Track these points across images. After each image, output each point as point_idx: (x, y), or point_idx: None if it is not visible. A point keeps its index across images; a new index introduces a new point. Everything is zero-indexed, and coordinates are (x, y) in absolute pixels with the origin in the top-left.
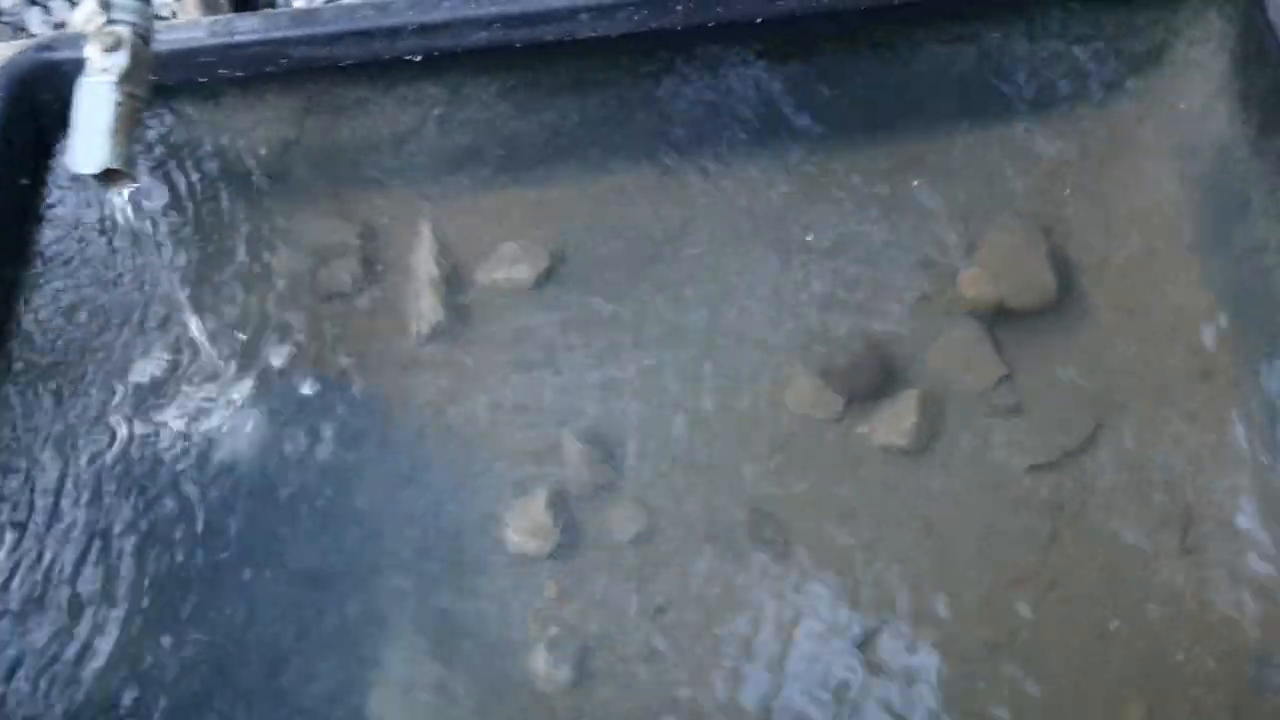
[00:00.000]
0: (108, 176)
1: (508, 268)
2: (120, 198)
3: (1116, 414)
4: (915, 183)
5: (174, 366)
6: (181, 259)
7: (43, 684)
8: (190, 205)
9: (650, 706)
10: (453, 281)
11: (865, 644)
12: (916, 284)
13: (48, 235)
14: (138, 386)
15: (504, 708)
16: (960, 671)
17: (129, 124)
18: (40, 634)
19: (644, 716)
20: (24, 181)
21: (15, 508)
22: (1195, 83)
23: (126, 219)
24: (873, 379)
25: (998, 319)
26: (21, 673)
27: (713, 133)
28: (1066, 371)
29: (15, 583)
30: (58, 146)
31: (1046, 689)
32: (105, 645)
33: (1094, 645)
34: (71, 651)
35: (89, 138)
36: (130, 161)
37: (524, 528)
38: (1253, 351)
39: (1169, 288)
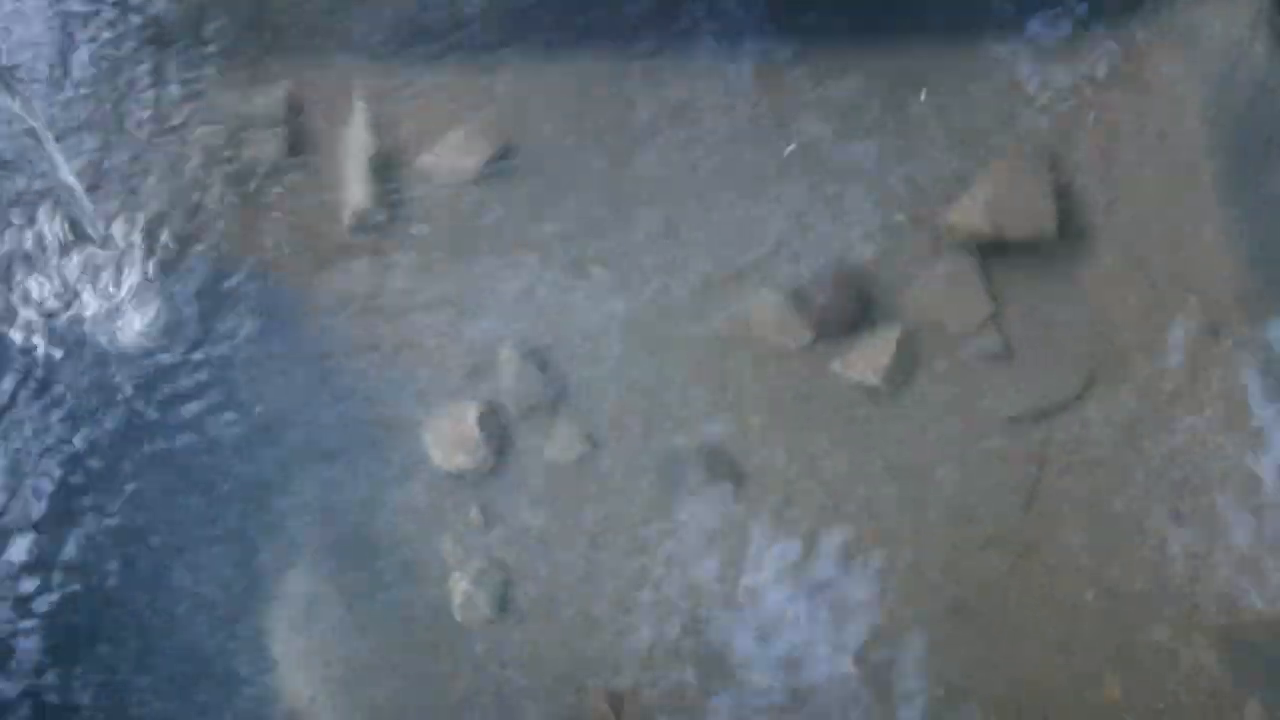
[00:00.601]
0: None
1: (450, 156)
2: None
3: (1113, 367)
4: (922, 97)
5: (59, 250)
6: (73, 127)
7: None
8: (86, 61)
9: (577, 647)
10: (387, 167)
11: (818, 597)
12: (905, 210)
13: None
14: (17, 271)
15: (414, 640)
16: (921, 634)
17: None
18: None
19: (570, 658)
20: None
21: None
22: (1226, 11)
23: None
24: (848, 310)
25: (990, 253)
26: None
27: (693, 23)
28: (1061, 317)
29: None
30: None
31: (1015, 659)
32: None
33: (1070, 616)
34: None
35: None
36: None
37: (451, 443)
38: (1268, 310)
39: (1182, 233)
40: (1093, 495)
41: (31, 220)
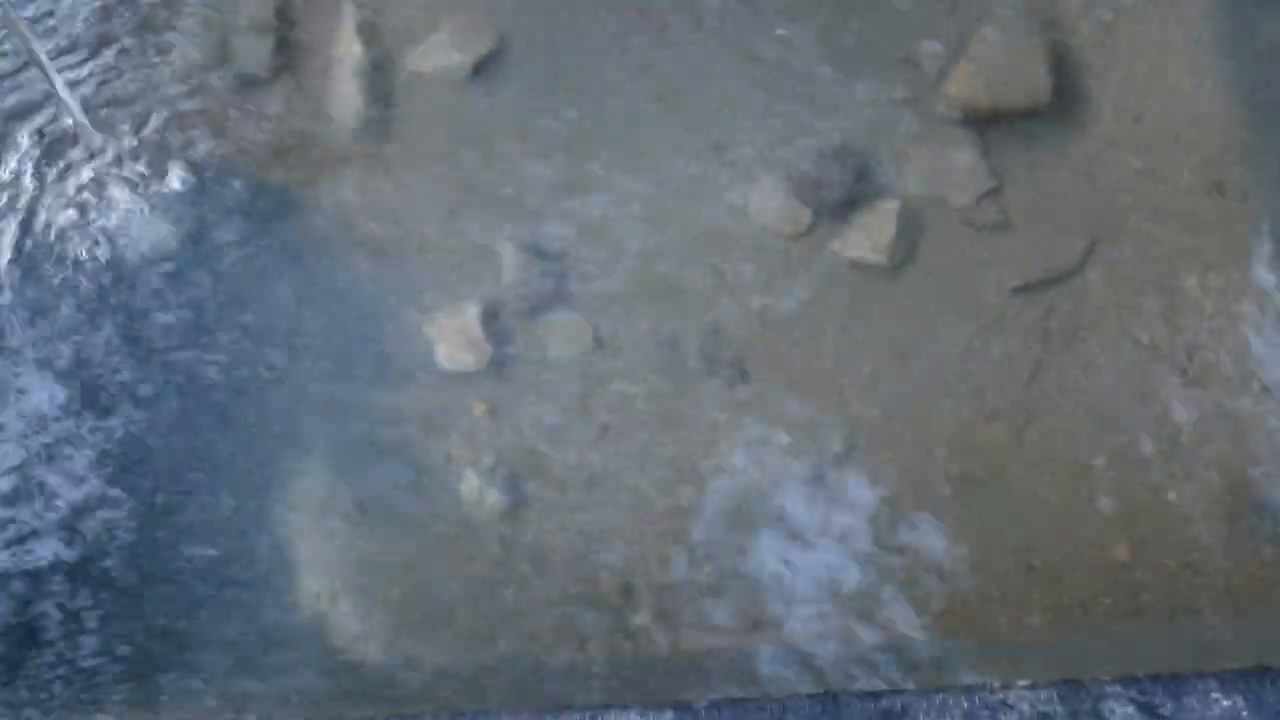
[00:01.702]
0: None
1: (442, 55)
2: None
3: (1114, 232)
4: None
5: (49, 156)
6: (65, 43)
7: None
8: None
9: (590, 535)
10: (379, 68)
11: (826, 476)
12: (898, 84)
13: None
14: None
15: (428, 535)
16: (929, 508)
17: None
18: None
19: (582, 546)
20: None
21: None
22: None
23: None
24: (846, 189)
25: (986, 124)
26: None
27: None
28: (1060, 183)
29: None
30: None
31: (1024, 528)
32: None
33: (1078, 482)
34: None
35: None
36: None
37: (455, 341)
38: (1271, 163)
39: (1180, 90)
40: (1097, 361)
41: (31, 133)
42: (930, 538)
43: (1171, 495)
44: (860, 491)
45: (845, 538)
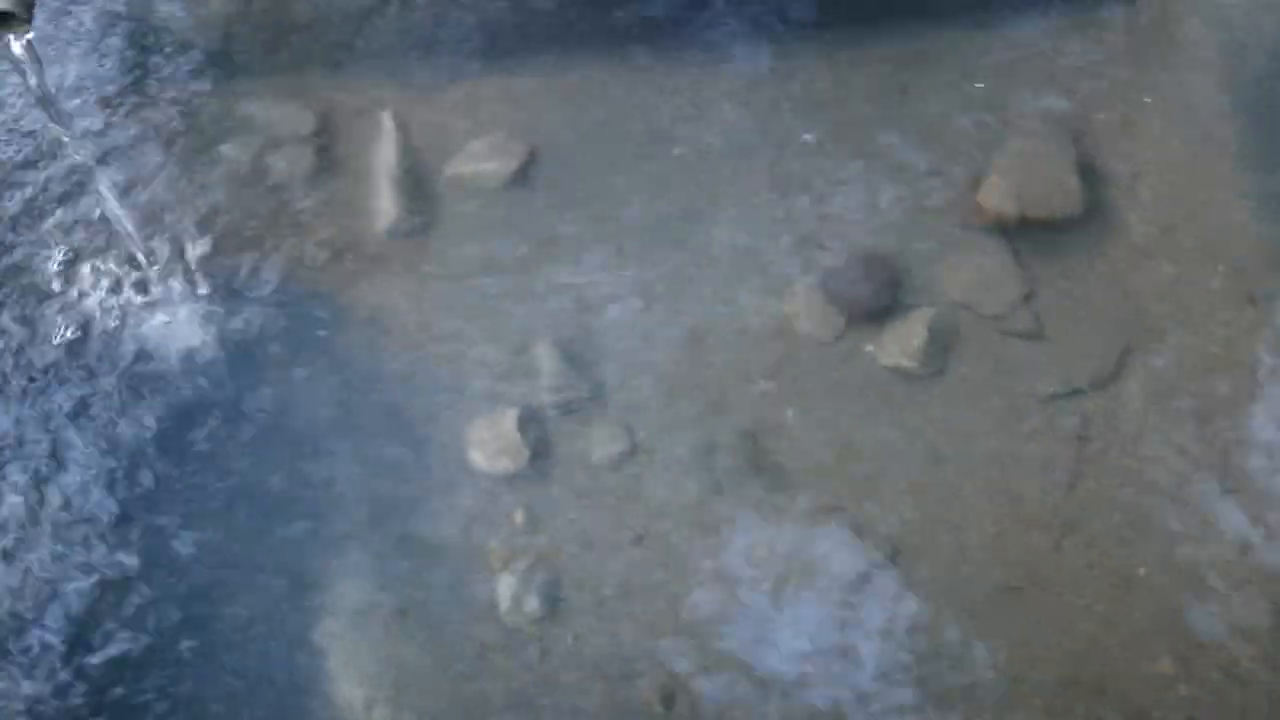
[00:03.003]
0: (2, 21)
1: (477, 164)
2: (16, 46)
3: (1148, 340)
4: (978, 85)
5: (95, 261)
6: (106, 139)
7: None
8: (119, 78)
9: (625, 644)
10: (416, 177)
11: (864, 584)
12: (929, 193)
13: None
14: (55, 277)
15: (464, 642)
16: (969, 618)
17: None
18: None
19: (618, 655)
20: None
21: None
22: None
23: (35, 87)
24: (880, 295)
25: (1018, 233)
26: None
27: (702, 22)
28: (1093, 292)
29: None
30: None
31: (1066, 638)
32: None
33: (1119, 593)
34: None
35: None
36: (26, 5)
37: (492, 446)
38: None
39: (1210, 202)
40: (1135, 469)
41: (79, 240)
42: (969, 647)
43: (1215, 606)
44: (898, 599)
45: (882, 645)
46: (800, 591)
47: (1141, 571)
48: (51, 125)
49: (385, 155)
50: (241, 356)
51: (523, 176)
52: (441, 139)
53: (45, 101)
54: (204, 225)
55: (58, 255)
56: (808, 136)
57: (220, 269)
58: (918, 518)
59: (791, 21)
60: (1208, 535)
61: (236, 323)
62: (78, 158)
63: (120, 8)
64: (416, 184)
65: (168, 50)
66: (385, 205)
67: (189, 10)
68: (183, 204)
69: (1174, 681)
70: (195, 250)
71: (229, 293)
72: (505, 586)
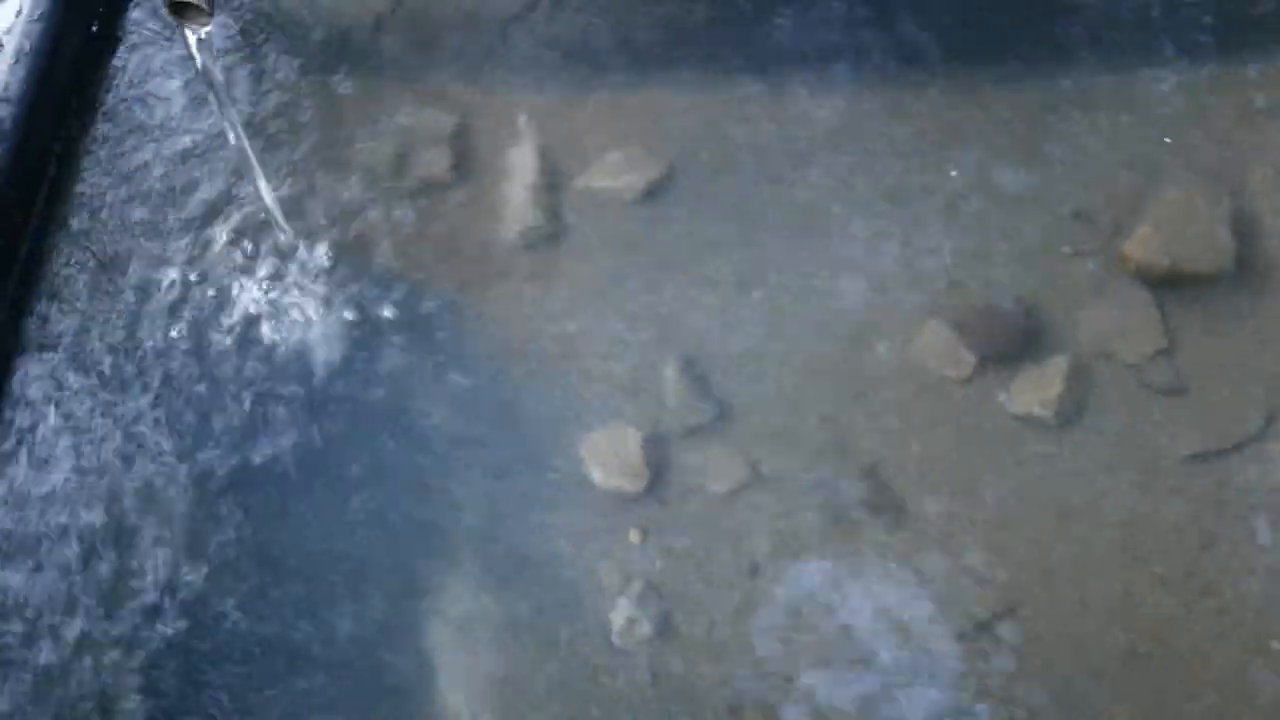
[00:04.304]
0: (183, 10)
1: (613, 177)
2: (196, 35)
3: None
4: (1166, 140)
5: (244, 248)
6: (260, 129)
7: None
8: (274, 70)
9: (735, 674)
10: (552, 186)
11: (980, 636)
12: (1073, 238)
13: (117, 94)
14: (202, 267)
15: (573, 660)
16: (1090, 680)
17: None
18: None
19: (728, 685)
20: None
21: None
22: None
23: (208, 77)
24: (1014, 339)
25: (1163, 284)
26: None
27: (849, 52)
28: (1239, 350)
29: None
30: None
31: (1194, 707)
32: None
33: (1250, 663)
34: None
35: None
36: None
37: (613, 464)
38: None
39: None
40: (1274, 537)
41: (227, 226)
42: (1087, 709)
43: None
44: (1016, 655)
45: (994, 703)
46: (914, 640)
47: (1275, 645)
48: (220, 113)
49: (521, 162)
50: (364, 354)
51: (657, 193)
52: (578, 149)
53: (216, 90)
54: (336, 221)
55: (212, 232)
56: (946, 170)
57: (352, 264)
58: (1041, 570)
59: (931, 56)
60: None
61: (361, 319)
62: (235, 143)
63: (273, 6)
64: (550, 193)
65: (317, 46)
66: (518, 212)
67: (341, 8)
68: (323, 198)
69: None
70: (325, 244)
71: (357, 287)
72: (618, 608)
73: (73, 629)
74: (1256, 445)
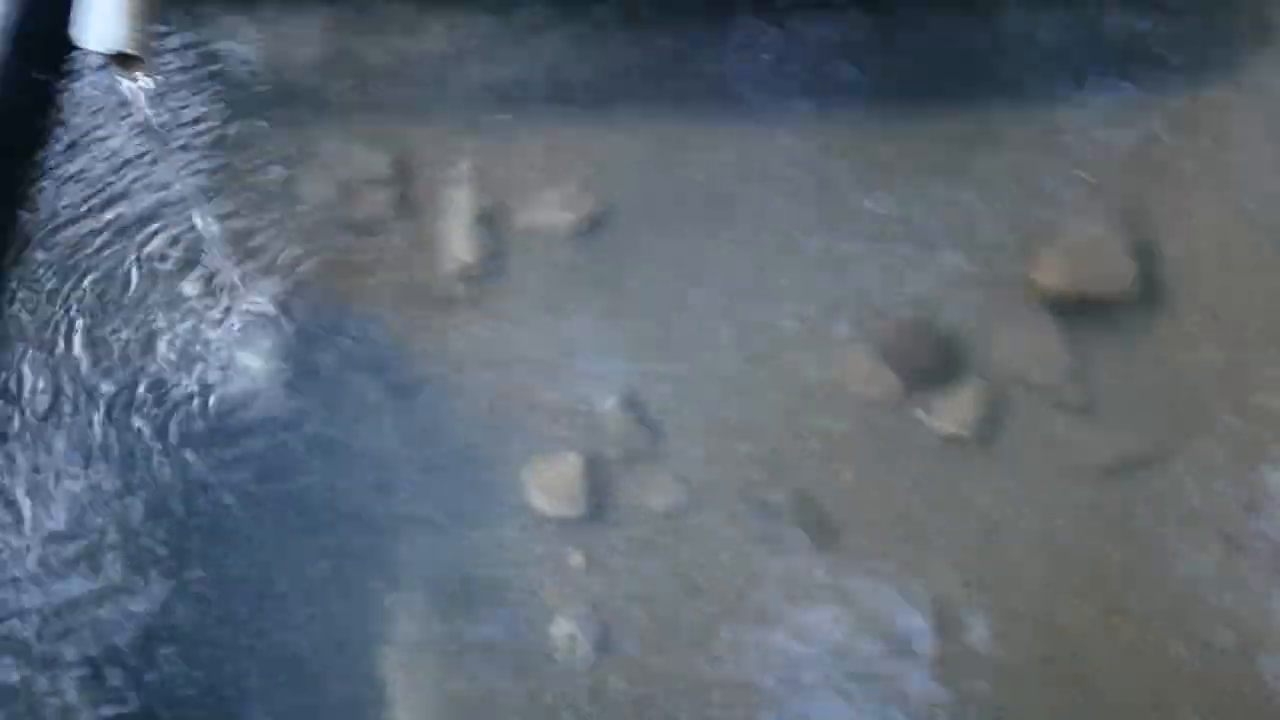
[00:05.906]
0: (122, 62)
1: (550, 213)
2: (134, 85)
3: (1198, 424)
4: (1079, 173)
5: (184, 290)
6: (201, 173)
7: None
8: (213, 116)
9: (676, 690)
10: (490, 222)
11: (908, 648)
12: (986, 265)
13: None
14: (146, 305)
15: (518, 678)
16: (1009, 689)
17: (149, 8)
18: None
19: (669, 700)
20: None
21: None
22: None
23: (148, 123)
24: (935, 363)
25: (1071, 310)
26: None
27: (775, 87)
28: (1145, 373)
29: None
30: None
31: (1109, 714)
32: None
33: (1164, 670)
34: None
35: (105, 17)
36: (146, 48)
37: (553, 490)
38: None
39: (1265, 290)
40: (1184, 549)
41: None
42: (1003, 714)
43: (1261, 700)
44: (940, 668)
45: (920, 708)
46: (847, 652)
47: (1184, 651)
48: (159, 159)
49: (460, 200)
50: (304, 388)
51: (593, 229)
52: (516, 187)
53: (154, 137)
54: (280, 261)
55: (152, 267)
56: (868, 203)
57: (293, 301)
58: (966, 583)
59: (860, 90)
60: (1256, 620)
61: (305, 355)
62: (178, 188)
63: (214, 50)
64: (489, 229)
65: (257, 90)
66: (458, 249)
67: (279, 55)
68: (261, 239)
69: None
70: (270, 282)
71: (298, 324)
72: (560, 628)
73: None
74: (1164, 461)
